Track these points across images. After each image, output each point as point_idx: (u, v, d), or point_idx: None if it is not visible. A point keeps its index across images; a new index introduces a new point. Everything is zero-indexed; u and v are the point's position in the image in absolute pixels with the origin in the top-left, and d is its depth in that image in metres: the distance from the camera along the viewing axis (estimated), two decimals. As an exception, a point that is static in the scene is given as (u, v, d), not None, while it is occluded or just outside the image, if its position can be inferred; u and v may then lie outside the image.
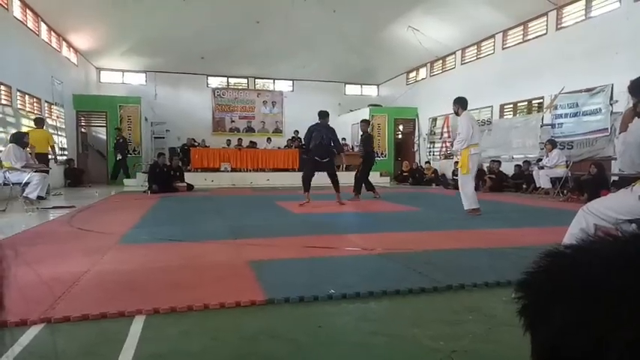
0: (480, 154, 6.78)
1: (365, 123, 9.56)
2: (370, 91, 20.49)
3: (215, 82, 18.73)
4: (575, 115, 9.98)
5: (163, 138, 16.74)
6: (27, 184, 7.30)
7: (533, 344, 0.47)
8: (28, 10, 10.89)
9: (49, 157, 9.40)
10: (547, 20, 11.08)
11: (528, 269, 0.48)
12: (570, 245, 0.47)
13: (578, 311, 0.41)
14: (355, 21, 14.03)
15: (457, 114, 6.64)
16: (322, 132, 7.64)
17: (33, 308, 2.32)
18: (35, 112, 11.08)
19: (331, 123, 8.01)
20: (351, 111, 18.30)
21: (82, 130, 14.61)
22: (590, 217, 2.84)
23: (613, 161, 8.87)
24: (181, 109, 17.53)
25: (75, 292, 2.67)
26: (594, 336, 0.39)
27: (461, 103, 6.52)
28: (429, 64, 16.32)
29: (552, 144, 9.64)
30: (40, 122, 9.65)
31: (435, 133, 15.85)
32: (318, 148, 7.59)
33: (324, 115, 7.82)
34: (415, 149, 17.06)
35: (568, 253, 0.47)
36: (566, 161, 9.47)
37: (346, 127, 18.29)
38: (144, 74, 17.63)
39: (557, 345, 0.42)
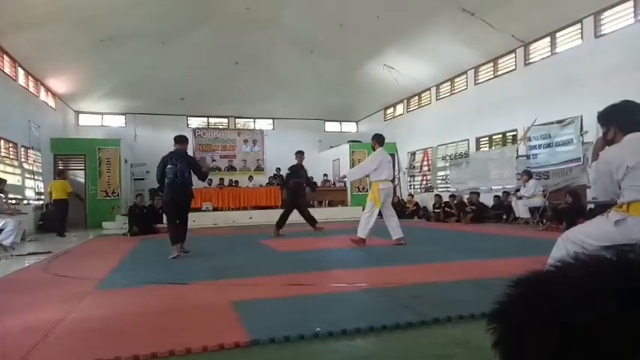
0: (390, 188, 6.95)
1: (299, 154, 9.13)
2: (349, 127, 20.85)
3: (195, 122, 18.82)
4: (549, 145, 10.27)
5: (143, 179, 16.56)
6: (1, 230, 7.09)
7: None
8: (5, 56, 10.89)
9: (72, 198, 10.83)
10: (515, 56, 11.59)
11: (499, 298, 0.47)
12: (540, 272, 0.47)
13: (555, 342, 0.40)
14: (332, 60, 14.44)
15: (374, 149, 7.03)
16: (177, 163, 6.05)
17: (5, 360, 2.21)
18: (11, 156, 10.90)
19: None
20: (332, 147, 18.52)
21: (60, 174, 14.36)
22: (569, 245, 2.88)
23: (588, 190, 9.09)
24: (162, 150, 17.17)
25: (50, 341, 2.55)
26: None
27: (377, 140, 6.97)
28: (405, 101, 16.76)
29: (528, 174, 9.88)
30: (60, 174, 11.56)
31: (414, 167, 16.10)
32: (172, 187, 6.02)
33: (180, 139, 6.36)
34: (396, 183, 17.21)
35: (539, 280, 0.46)
36: (543, 191, 9.68)
37: (327, 163, 18.44)
38: (123, 116, 17.62)
39: None
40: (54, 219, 11.79)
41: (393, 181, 7.79)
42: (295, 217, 8.21)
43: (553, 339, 0.41)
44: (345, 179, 7.35)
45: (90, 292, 3.90)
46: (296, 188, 8.87)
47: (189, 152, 18.23)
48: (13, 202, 9.97)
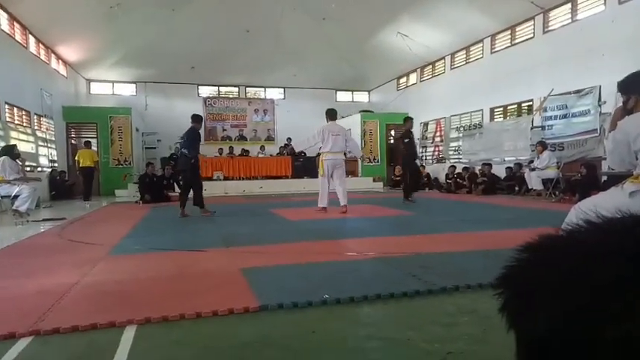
0: (337, 159, 7.50)
1: (409, 120, 9.23)
2: (361, 97, 20.56)
3: (206, 91, 18.70)
4: (565, 116, 10.06)
5: (155, 148, 16.64)
6: (16, 197, 7.22)
7: (518, 342, 0.44)
8: (15, 23, 10.82)
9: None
10: (534, 24, 11.20)
11: (508, 263, 0.46)
12: (550, 235, 0.45)
13: (565, 305, 0.39)
14: (344, 28, 14.10)
15: (327, 122, 7.56)
16: (182, 139, 7.11)
17: (21, 321, 2.28)
18: (24, 124, 11.00)
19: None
20: (343, 117, 18.32)
21: (73, 141, 14.50)
22: (581, 216, 2.84)
23: (603, 161, 8.93)
24: (172, 119, 17.37)
25: (65, 303, 2.62)
26: (584, 331, 0.37)
27: (328, 114, 7.61)
28: (418, 70, 16.42)
29: (543, 145, 9.71)
30: (87, 144, 12.37)
31: (427, 138, 15.91)
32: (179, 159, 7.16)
33: (193, 119, 7.20)
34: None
35: (549, 244, 0.45)
36: (557, 162, 9.54)
37: (338, 134, 18.31)
38: (134, 85, 17.57)
39: (544, 342, 0.40)
40: (62, 186, 12.16)
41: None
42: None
43: (562, 303, 0.39)
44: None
45: (103, 258, 3.98)
46: (410, 154, 9.08)
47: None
48: (28, 169, 10.11)
